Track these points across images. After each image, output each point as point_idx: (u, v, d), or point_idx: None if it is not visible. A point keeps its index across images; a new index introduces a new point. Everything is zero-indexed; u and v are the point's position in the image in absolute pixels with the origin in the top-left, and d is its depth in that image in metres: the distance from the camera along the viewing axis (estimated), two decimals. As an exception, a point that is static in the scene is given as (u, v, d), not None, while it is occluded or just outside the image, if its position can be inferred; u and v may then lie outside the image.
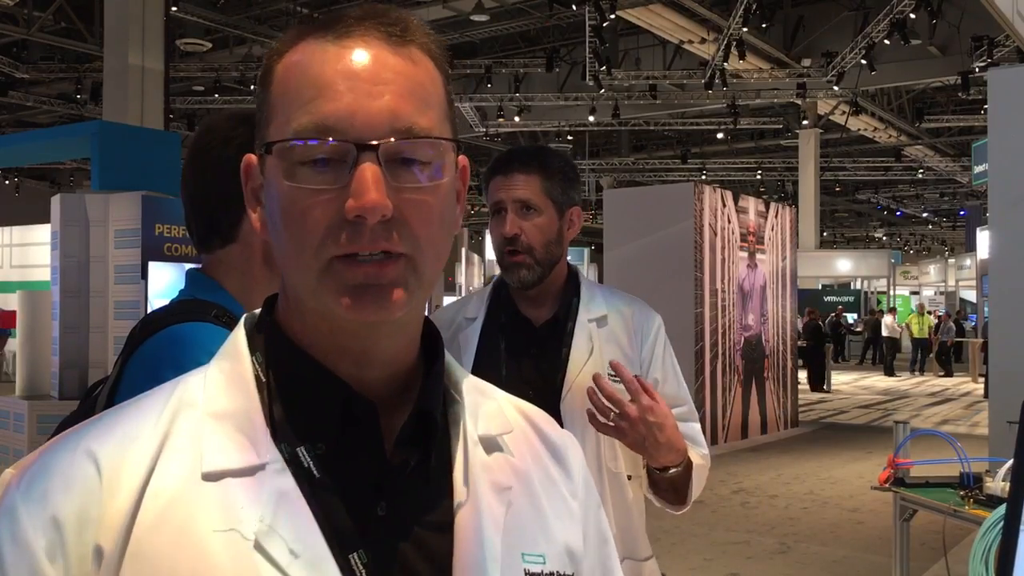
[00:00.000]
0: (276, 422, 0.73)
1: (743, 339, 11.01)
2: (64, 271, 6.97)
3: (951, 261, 29.60)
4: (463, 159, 0.80)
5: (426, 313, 0.81)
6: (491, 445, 0.81)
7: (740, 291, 11.00)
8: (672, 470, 1.69)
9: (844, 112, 20.97)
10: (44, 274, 9.51)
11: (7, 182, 28.60)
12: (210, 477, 0.69)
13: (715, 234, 10.46)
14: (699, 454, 1.86)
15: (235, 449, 0.71)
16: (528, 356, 1.88)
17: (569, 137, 25.55)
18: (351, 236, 0.70)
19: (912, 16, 15.50)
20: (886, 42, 16.36)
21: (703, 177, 27.49)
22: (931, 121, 22.90)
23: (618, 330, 1.89)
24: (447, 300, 11.38)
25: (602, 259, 11.29)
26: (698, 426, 1.91)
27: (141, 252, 6.72)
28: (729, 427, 10.67)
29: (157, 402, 0.74)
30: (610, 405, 1.61)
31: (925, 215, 38.66)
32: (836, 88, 18.54)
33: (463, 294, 13.69)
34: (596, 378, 1.64)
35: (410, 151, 0.72)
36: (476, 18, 16.47)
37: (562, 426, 1.91)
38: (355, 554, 0.70)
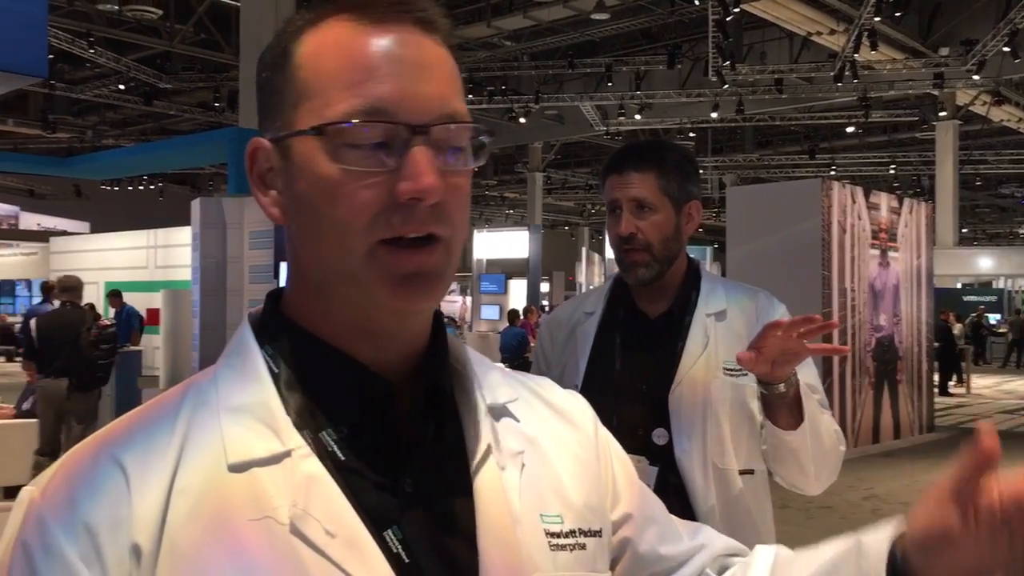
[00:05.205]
0: (295, 410, 0.73)
1: (874, 340, 10.60)
2: (204, 271, 7.34)
3: (1105, 258, 27.71)
4: None
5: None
6: (499, 413, 0.82)
7: (871, 290, 10.60)
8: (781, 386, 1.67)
9: (985, 102, 19.91)
10: (185, 274, 10.02)
11: (152, 187, 30.24)
12: (236, 468, 0.70)
13: (844, 232, 10.11)
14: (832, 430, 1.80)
15: (258, 439, 0.71)
16: (642, 350, 1.87)
17: (691, 134, 25.15)
18: (402, 219, 0.71)
19: (1061, -1, 14.60)
20: (1032, 27, 15.46)
21: (832, 173, 26.59)
22: (1082, 110, 21.50)
23: (738, 324, 1.85)
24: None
25: (725, 258, 11.08)
26: (830, 415, 1.86)
27: (274, 252, 7.01)
28: (859, 430, 10.29)
29: (170, 404, 0.75)
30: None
31: (1076, 210, 36.30)
32: (976, 78, 17.63)
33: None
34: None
35: (455, 136, 0.74)
36: (597, 16, 16.38)
37: (669, 420, 1.90)
38: (389, 531, 0.71)
